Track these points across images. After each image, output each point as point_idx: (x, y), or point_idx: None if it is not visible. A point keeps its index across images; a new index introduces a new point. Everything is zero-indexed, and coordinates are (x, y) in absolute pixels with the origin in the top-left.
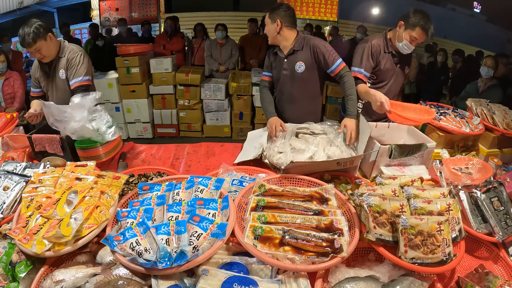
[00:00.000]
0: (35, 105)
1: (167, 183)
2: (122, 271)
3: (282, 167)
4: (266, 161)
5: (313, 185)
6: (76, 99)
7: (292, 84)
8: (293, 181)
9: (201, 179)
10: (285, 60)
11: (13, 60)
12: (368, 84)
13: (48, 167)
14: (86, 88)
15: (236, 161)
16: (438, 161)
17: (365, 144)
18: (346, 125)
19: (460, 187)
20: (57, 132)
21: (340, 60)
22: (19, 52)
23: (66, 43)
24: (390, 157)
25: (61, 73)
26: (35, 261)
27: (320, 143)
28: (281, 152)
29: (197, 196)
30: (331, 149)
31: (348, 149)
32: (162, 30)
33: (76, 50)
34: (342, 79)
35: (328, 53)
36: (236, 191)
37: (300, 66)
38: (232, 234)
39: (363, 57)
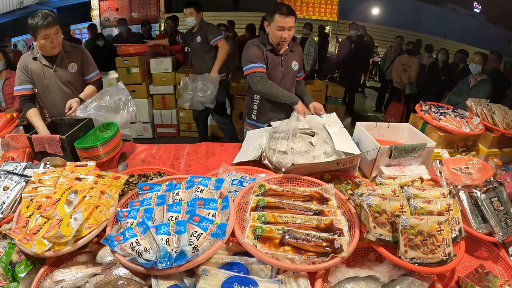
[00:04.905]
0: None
1: (167, 183)
2: (122, 271)
3: (283, 170)
4: (266, 162)
5: (313, 185)
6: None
7: (287, 80)
8: (293, 181)
9: (201, 179)
10: (282, 58)
11: (15, 60)
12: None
13: (48, 167)
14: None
15: (234, 161)
16: (438, 161)
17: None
18: (314, 105)
19: (460, 187)
20: (57, 132)
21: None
22: (21, 52)
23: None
24: (390, 157)
25: (71, 67)
26: (35, 261)
27: (318, 143)
28: (284, 152)
29: (197, 196)
30: (327, 147)
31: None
32: (162, 29)
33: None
34: (302, 82)
35: (303, 61)
36: (236, 191)
37: (296, 65)
38: (232, 234)
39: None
